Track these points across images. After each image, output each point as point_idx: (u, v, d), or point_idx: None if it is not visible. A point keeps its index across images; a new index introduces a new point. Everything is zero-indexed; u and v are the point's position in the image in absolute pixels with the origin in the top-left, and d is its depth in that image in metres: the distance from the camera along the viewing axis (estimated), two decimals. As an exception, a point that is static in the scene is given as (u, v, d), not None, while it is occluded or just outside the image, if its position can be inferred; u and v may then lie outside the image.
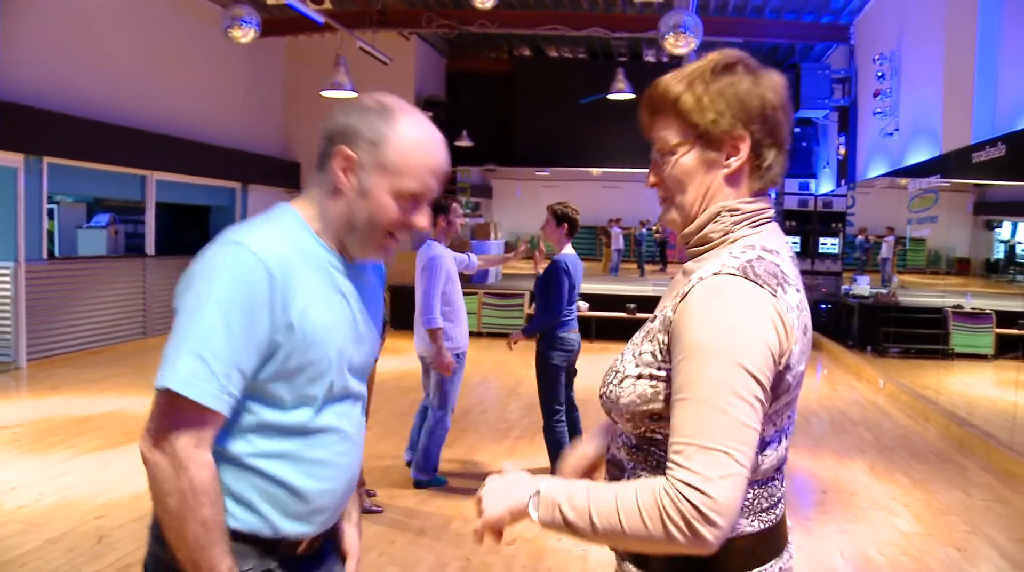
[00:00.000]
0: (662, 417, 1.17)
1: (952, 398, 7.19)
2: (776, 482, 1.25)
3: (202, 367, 1.22)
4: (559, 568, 3.66)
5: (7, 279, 8.08)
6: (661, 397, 1.18)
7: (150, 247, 10.25)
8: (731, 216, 1.23)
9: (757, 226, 1.24)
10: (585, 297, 8.60)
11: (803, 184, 13.17)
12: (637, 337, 1.28)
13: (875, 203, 11.23)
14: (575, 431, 4.84)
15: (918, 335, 9.17)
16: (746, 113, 1.20)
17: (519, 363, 8.62)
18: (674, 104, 1.23)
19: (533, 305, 7.85)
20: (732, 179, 1.24)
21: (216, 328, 1.22)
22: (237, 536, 1.31)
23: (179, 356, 1.22)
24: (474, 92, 15.41)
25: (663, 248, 19.79)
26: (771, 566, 1.22)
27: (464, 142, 13.63)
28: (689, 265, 1.27)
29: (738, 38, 11.40)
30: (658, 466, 1.13)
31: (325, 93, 8.78)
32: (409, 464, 4.88)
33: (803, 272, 1.71)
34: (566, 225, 4.68)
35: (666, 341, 1.18)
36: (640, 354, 1.23)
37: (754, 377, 1.08)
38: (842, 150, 11.70)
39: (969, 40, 7.23)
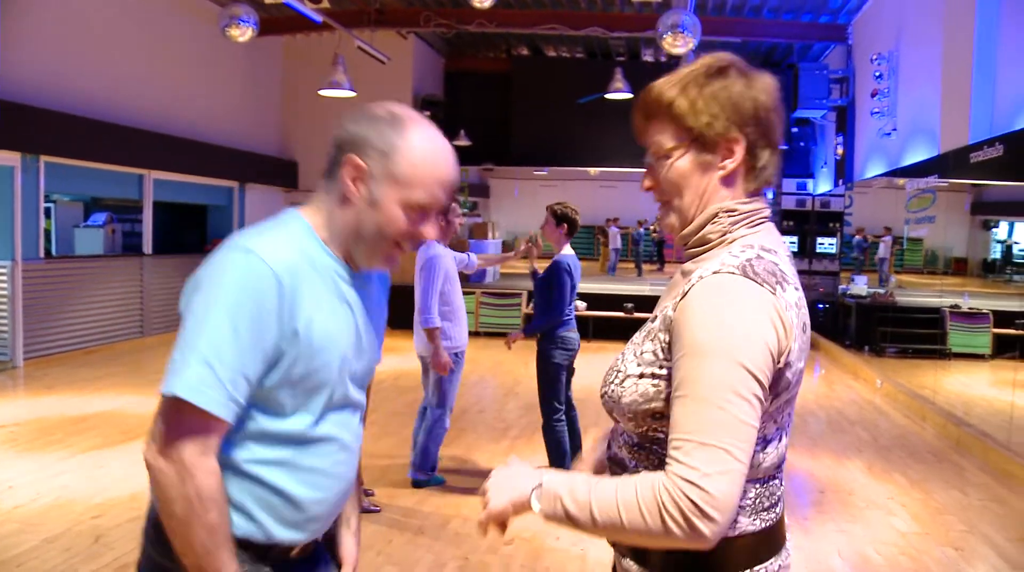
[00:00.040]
0: (664, 416, 1.18)
1: (949, 398, 7.20)
2: (776, 481, 1.26)
3: (210, 374, 1.21)
4: (557, 567, 3.65)
5: (4, 278, 8.06)
6: (663, 396, 1.19)
7: (147, 246, 10.22)
8: (728, 217, 1.24)
9: (754, 226, 1.25)
10: (582, 297, 8.63)
11: (801, 184, 13.18)
12: (638, 337, 1.29)
13: (873, 203, 11.25)
14: (573, 430, 4.84)
15: (915, 335, 9.19)
16: (740, 115, 1.22)
17: (517, 362, 8.63)
18: (668, 108, 1.23)
19: (531, 304, 7.86)
20: (727, 181, 1.25)
21: (224, 335, 1.22)
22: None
23: (187, 363, 1.21)
24: (472, 91, 15.40)
25: (660, 248, 19.83)
26: (771, 564, 1.23)
27: (462, 141, 13.62)
28: (688, 265, 1.28)
29: (736, 38, 11.43)
30: (660, 464, 1.14)
31: (323, 92, 8.78)
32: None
33: (800, 272, 1.72)
34: (566, 225, 4.68)
35: (667, 340, 1.19)
36: (641, 353, 1.24)
37: (753, 375, 1.10)
38: (840, 150, 11.71)
39: (967, 40, 7.23)
